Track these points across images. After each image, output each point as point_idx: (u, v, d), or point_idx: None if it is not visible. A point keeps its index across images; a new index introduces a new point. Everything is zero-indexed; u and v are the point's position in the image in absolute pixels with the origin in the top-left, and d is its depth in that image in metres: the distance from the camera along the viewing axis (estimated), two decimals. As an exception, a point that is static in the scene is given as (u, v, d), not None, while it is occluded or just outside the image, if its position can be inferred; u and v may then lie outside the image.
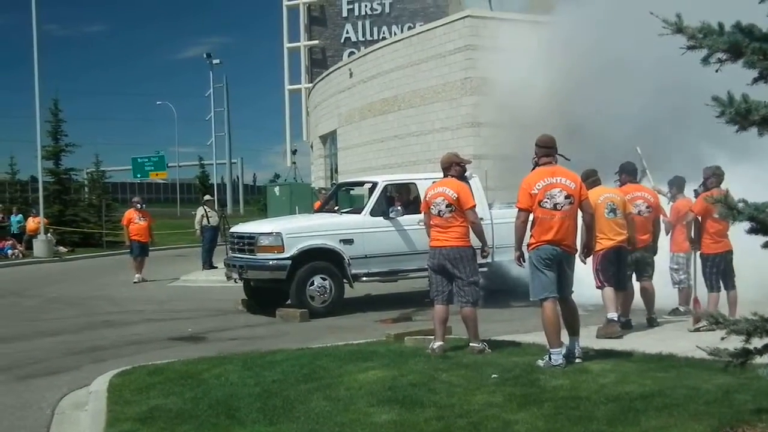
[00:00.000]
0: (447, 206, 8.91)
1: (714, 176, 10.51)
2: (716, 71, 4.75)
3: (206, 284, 19.75)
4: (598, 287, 10.05)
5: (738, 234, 6.26)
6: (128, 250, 21.75)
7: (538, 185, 8.09)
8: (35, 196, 33.32)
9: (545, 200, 8.02)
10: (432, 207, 9.02)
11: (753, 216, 4.56)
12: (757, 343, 4.78)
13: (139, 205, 21.66)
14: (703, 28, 4.72)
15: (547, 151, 8.31)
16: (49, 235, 30.91)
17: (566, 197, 8.05)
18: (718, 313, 5.51)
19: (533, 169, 8.39)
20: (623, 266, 10.15)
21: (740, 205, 4.61)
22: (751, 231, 4.66)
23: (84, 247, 34.03)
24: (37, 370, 9.93)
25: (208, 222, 22.44)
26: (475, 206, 9.17)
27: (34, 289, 20.24)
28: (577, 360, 8.08)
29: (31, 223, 31.67)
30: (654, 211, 10.89)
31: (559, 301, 8.12)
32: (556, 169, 8.25)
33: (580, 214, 8.27)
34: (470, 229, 9.03)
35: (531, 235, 8.17)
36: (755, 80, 4.71)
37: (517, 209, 8.31)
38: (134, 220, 21.07)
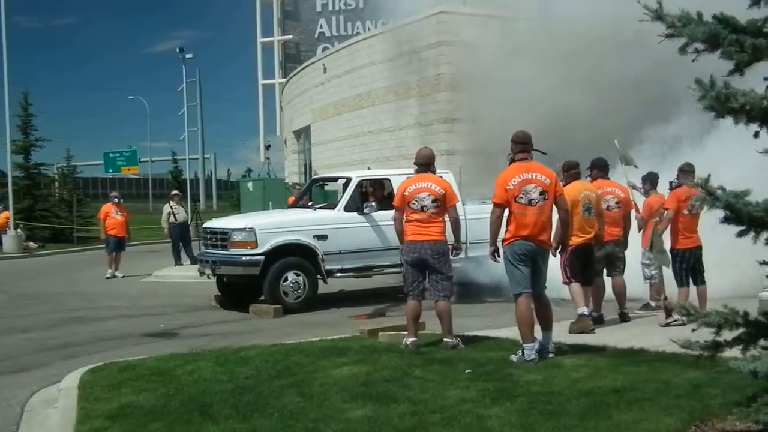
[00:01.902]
0: (432, 201, 8.92)
1: (681, 172, 10.60)
2: (693, 61, 4.77)
3: (179, 280, 19.65)
4: (564, 282, 10.13)
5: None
6: (104, 245, 21.59)
7: (514, 181, 8.12)
8: (4, 191, 32.97)
9: (520, 196, 8.06)
10: (413, 202, 8.98)
11: (730, 203, 4.58)
12: (727, 335, 4.83)
13: (116, 199, 21.57)
14: (682, 16, 4.73)
15: (522, 147, 8.35)
16: (18, 230, 30.68)
17: (541, 193, 8.09)
18: (690, 305, 5.56)
19: (509, 164, 8.44)
20: (590, 262, 10.23)
21: (718, 191, 4.63)
22: (726, 220, 4.69)
23: (55, 243, 33.78)
24: (6, 366, 9.83)
25: (175, 219, 22.29)
26: (457, 202, 9.29)
27: (4, 284, 20.03)
28: (550, 355, 8.13)
29: (1, 218, 31.35)
30: (624, 207, 10.96)
31: (533, 296, 8.17)
32: (531, 165, 8.29)
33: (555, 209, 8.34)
34: (448, 224, 9.09)
35: (506, 231, 8.21)
36: (731, 72, 4.73)
37: (492, 204, 8.35)
38: (111, 215, 20.98)
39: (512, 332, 8.64)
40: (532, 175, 8.16)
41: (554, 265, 9.02)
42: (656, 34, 4.76)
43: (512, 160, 8.42)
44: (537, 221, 8.10)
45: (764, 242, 4.63)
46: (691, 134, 13.35)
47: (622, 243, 10.99)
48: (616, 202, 10.85)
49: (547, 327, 8.31)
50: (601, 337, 9.33)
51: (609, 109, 16.32)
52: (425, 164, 9.35)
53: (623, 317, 10.77)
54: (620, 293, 10.92)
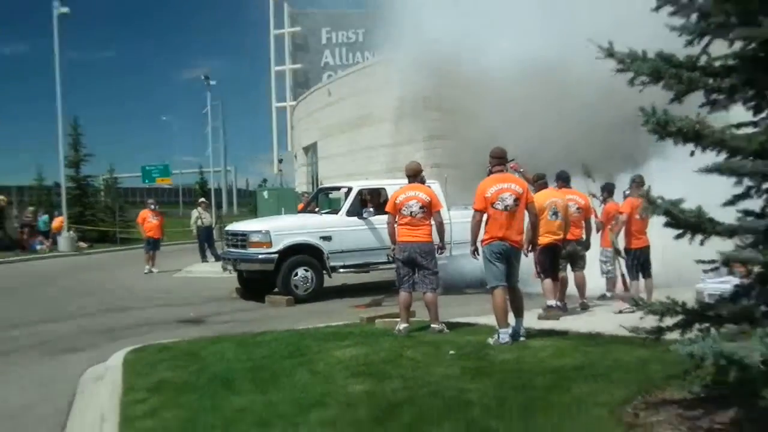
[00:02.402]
0: (420, 208, 8.97)
1: (633, 183, 10.70)
2: (640, 92, 4.85)
3: (205, 275, 19.61)
4: (537, 277, 10.17)
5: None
6: (143, 245, 21.68)
7: (491, 189, 8.18)
8: (59, 199, 33.04)
9: (497, 202, 8.12)
10: (404, 208, 9.03)
11: (668, 210, 4.66)
12: (668, 321, 4.89)
13: (152, 206, 21.64)
14: (630, 54, 4.81)
15: (499, 161, 8.43)
16: (71, 232, 30.71)
17: (515, 200, 8.16)
18: (638, 296, 5.63)
19: (487, 175, 8.50)
20: (557, 259, 10.29)
21: (658, 200, 4.71)
22: (667, 225, 4.77)
23: (101, 243, 33.80)
24: (63, 348, 9.90)
25: (202, 222, 22.42)
26: (442, 208, 9.37)
27: (59, 278, 20.05)
28: (522, 338, 8.17)
29: (56, 222, 31.40)
30: (584, 212, 11.02)
31: (507, 288, 8.21)
32: (506, 176, 8.37)
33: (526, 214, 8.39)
34: (434, 227, 9.14)
35: (485, 232, 8.25)
36: (671, 100, 4.81)
37: (472, 210, 8.40)
38: (148, 219, 21.06)
39: (489, 319, 8.66)
40: (507, 185, 8.23)
41: (525, 262, 9.06)
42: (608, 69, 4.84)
43: (490, 172, 8.49)
44: (511, 224, 8.16)
45: (699, 243, 4.70)
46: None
47: (583, 243, 11.05)
48: (577, 208, 10.92)
49: (519, 314, 8.36)
50: (564, 323, 9.37)
51: (572, 129, 16.22)
52: (413, 175, 9.41)
53: (583, 306, 10.83)
54: (581, 286, 10.98)
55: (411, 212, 8.99)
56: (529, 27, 16.12)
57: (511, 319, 8.22)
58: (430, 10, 19.04)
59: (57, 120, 31.25)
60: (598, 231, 11.67)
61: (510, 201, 8.14)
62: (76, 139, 37.16)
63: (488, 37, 16.89)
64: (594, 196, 11.86)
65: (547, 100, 16.35)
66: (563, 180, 11.10)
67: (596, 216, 11.66)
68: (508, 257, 8.20)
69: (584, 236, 11.09)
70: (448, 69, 19.10)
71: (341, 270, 14.05)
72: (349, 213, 14.05)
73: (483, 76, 17.05)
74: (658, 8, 4.75)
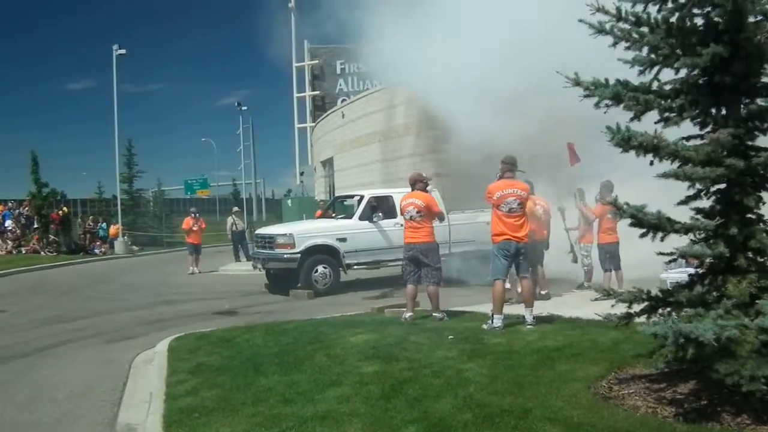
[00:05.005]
0: (417, 212, 8.95)
1: (603, 188, 10.62)
2: (604, 113, 4.84)
3: (238, 272, 19.68)
4: None
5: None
6: (186, 248, 21.76)
7: (497, 194, 8.12)
8: (115, 209, 33.43)
9: (503, 205, 8.08)
10: (405, 213, 9.03)
11: (633, 214, 4.67)
12: (636, 308, 4.87)
13: (194, 213, 21.71)
14: (594, 81, 4.81)
15: (509, 166, 8.30)
16: (125, 237, 30.94)
17: (519, 204, 8.11)
18: (609, 287, 5.59)
19: (497, 180, 8.33)
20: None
21: (624, 206, 4.72)
22: (632, 225, 4.77)
23: (150, 246, 33.99)
24: (118, 336, 9.96)
25: (236, 228, 22.55)
26: (440, 211, 9.39)
27: (116, 277, 20.14)
28: (529, 326, 7.95)
29: (113, 229, 31.67)
30: (545, 215, 10.90)
31: (520, 279, 8.21)
32: (513, 182, 8.26)
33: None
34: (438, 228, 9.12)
35: (493, 231, 8.17)
36: (631, 119, 4.80)
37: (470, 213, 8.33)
38: (191, 225, 21.10)
39: (483, 308, 8.63)
40: (513, 190, 8.15)
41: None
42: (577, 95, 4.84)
43: (500, 177, 8.33)
44: (516, 224, 8.09)
45: (660, 239, 4.68)
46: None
47: (545, 242, 10.97)
48: (543, 211, 10.84)
49: (528, 305, 8.18)
50: (548, 309, 9.28)
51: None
52: (412, 183, 9.37)
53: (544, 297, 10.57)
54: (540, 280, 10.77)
55: (410, 216, 8.97)
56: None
57: (518, 308, 8.09)
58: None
59: (114, 142, 31.73)
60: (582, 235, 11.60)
61: (515, 205, 8.08)
62: (129, 158, 37.56)
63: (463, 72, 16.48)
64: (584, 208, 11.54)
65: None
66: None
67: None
68: (515, 254, 8.13)
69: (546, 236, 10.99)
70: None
71: (355, 267, 14.05)
72: (362, 218, 14.06)
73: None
74: (615, 44, 4.75)
